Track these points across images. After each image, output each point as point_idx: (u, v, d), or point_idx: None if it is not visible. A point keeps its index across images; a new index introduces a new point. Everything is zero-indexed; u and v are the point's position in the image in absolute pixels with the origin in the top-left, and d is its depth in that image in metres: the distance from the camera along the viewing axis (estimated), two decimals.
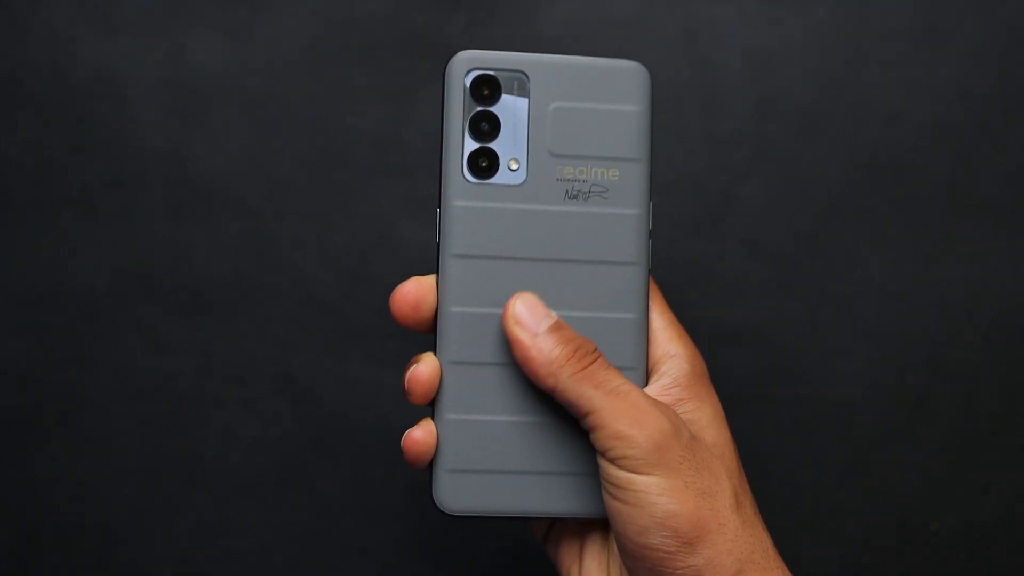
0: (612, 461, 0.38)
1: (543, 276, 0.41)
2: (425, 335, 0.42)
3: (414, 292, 0.42)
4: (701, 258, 0.63)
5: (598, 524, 0.43)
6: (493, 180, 0.41)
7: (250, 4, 0.64)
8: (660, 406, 0.39)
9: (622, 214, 0.42)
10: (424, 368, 0.41)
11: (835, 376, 0.63)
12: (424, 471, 0.43)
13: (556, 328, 0.40)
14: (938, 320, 0.63)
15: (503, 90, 0.42)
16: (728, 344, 0.63)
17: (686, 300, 0.63)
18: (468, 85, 0.42)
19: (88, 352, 0.63)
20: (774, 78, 0.63)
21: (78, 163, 0.63)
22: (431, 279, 0.42)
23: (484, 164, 0.41)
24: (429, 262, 0.62)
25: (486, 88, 0.41)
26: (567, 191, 0.41)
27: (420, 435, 0.41)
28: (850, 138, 0.63)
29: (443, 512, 0.42)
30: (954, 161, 0.63)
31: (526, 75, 0.42)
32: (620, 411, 0.38)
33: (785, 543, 0.63)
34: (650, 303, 0.42)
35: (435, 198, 0.63)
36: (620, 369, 0.41)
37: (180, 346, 0.63)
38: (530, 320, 0.40)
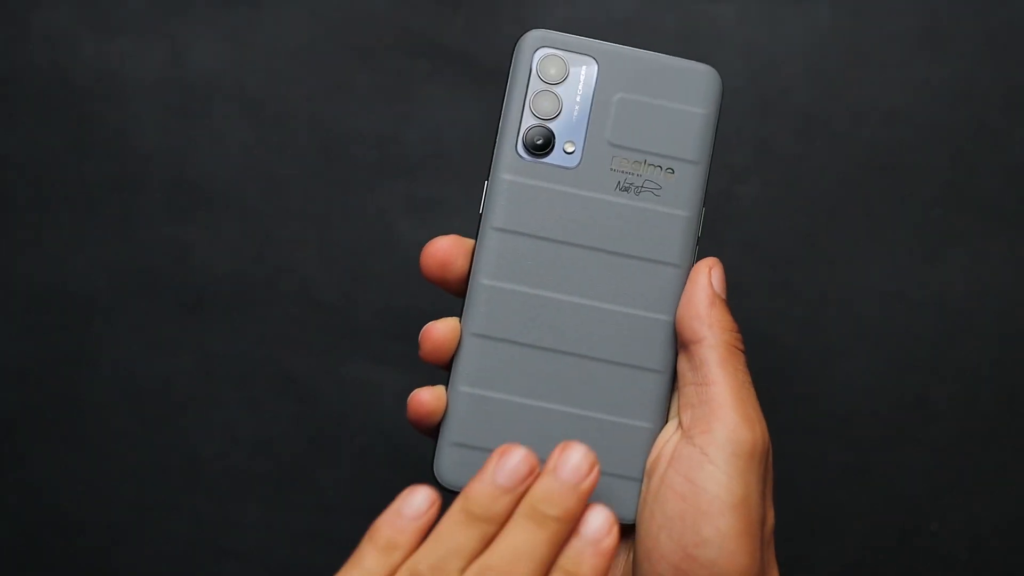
0: (695, 441, 0.37)
1: (581, 263, 0.41)
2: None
3: (445, 249, 0.40)
4: (701, 258, 0.63)
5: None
6: (546, 160, 0.41)
7: (250, 4, 0.64)
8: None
9: (672, 214, 0.41)
10: (441, 327, 0.40)
11: (835, 376, 0.63)
12: (429, 437, 0.42)
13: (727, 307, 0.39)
14: (938, 320, 0.63)
15: (570, 73, 0.41)
16: None
17: None
18: (536, 62, 0.41)
19: (88, 352, 0.63)
20: (774, 78, 0.63)
21: (78, 163, 0.63)
22: (469, 243, 0.41)
23: (540, 142, 0.41)
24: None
25: (553, 68, 0.41)
26: (619, 182, 0.41)
27: (428, 397, 0.40)
28: (850, 138, 0.63)
29: (440, 486, 0.41)
30: (954, 161, 0.63)
31: (596, 61, 0.41)
32: (743, 401, 0.37)
33: (785, 543, 0.63)
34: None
35: (435, 199, 0.63)
36: (645, 370, 0.40)
37: (180, 346, 0.63)
38: (720, 285, 0.40)
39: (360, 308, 0.63)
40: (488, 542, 0.35)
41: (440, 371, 0.42)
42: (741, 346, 0.39)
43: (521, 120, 0.41)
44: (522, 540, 0.34)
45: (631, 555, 0.40)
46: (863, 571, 0.62)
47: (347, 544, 0.67)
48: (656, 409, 0.40)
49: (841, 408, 0.63)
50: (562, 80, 0.41)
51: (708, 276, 0.40)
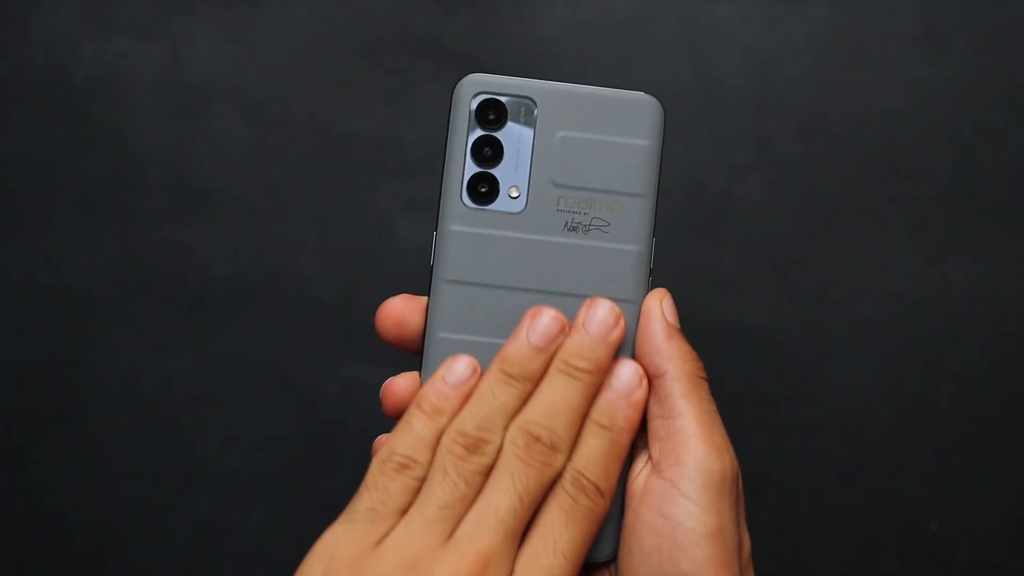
0: (665, 475, 0.37)
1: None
2: (410, 356, 0.42)
3: (398, 309, 0.41)
4: (701, 258, 0.63)
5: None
6: (492, 207, 0.41)
7: (250, 4, 0.64)
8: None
9: (621, 249, 0.41)
10: (402, 383, 0.41)
11: (835, 376, 0.63)
12: None
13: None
14: (938, 320, 0.63)
15: (509, 116, 0.41)
16: (728, 344, 0.63)
17: (686, 300, 0.63)
18: (474, 109, 0.41)
19: (88, 352, 0.63)
20: (774, 78, 0.63)
21: (78, 163, 0.63)
22: (421, 300, 0.41)
23: (484, 190, 0.41)
24: (429, 262, 0.62)
25: (492, 112, 0.41)
26: (567, 222, 0.40)
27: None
28: (850, 138, 0.63)
29: None
30: (954, 161, 0.63)
31: (534, 102, 0.41)
32: (710, 430, 0.37)
33: (785, 543, 0.63)
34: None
35: (435, 198, 0.63)
36: None
37: (180, 346, 0.63)
38: (672, 315, 0.40)
39: (360, 308, 0.63)
40: (526, 399, 0.37)
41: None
42: (703, 374, 0.39)
43: (464, 168, 0.41)
44: (559, 393, 0.37)
45: None
46: (863, 571, 0.62)
47: None
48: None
49: (841, 408, 0.63)
50: (501, 124, 0.41)
51: (660, 309, 0.40)
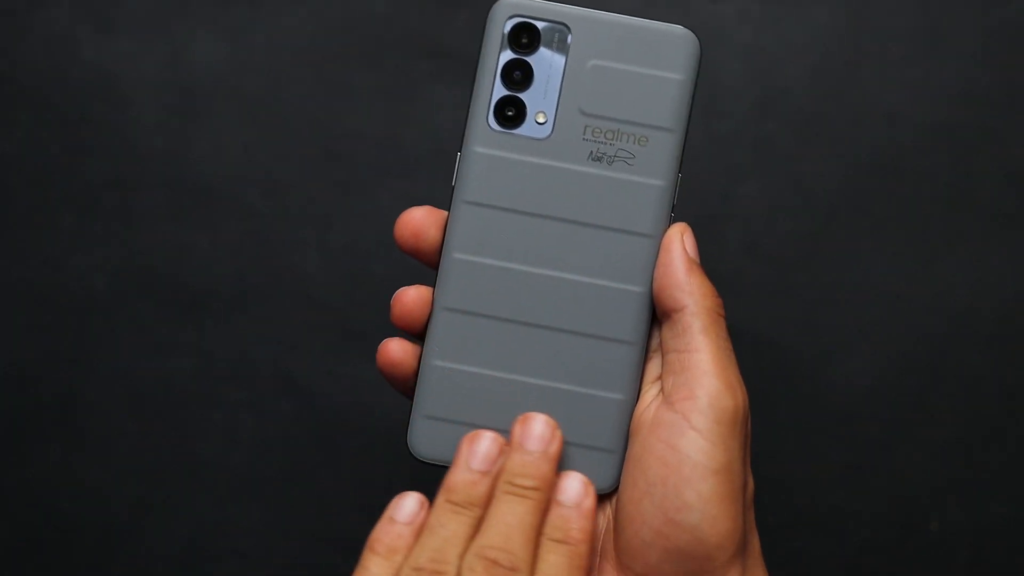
0: (677, 408, 0.37)
1: (554, 235, 0.40)
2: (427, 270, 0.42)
3: (417, 220, 0.41)
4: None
5: None
6: (518, 131, 0.40)
7: (250, 4, 0.64)
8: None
9: (645, 183, 0.40)
10: (413, 294, 0.41)
11: (835, 376, 0.63)
12: (400, 391, 0.42)
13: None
14: (938, 320, 0.63)
15: (542, 40, 0.40)
16: None
17: None
18: (507, 31, 0.40)
19: (88, 352, 0.63)
20: (774, 78, 0.63)
21: (78, 163, 0.63)
22: (443, 214, 0.41)
23: (511, 113, 0.40)
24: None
25: (525, 36, 0.40)
26: (592, 152, 0.40)
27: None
28: (850, 138, 0.63)
29: (413, 456, 0.41)
30: (954, 161, 0.63)
31: (568, 28, 0.40)
32: (725, 367, 0.37)
33: (785, 543, 0.63)
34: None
35: (435, 199, 0.63)
36: (618, 342, 0.40)
37: (180, 346, 0.63)
38: (694, 251, 0.40)
39: (360, 308, 0.63)
40: (478, 525, 0.36)
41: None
42: (722, 311, 0.39)
43: (492, 91, 0.40)
44: (510, 514, 0.36)
45: (609, 522, 0.40)
46: (863, 571, 0.62)
47: (347, 544, 0.67)
48: (629, 381, 0.40)
49: (841, 408, 0.63)
50: (533, 48, 0.40)
51: (681, 243, 0.40)
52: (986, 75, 0.63)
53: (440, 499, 0.37)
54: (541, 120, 0.40)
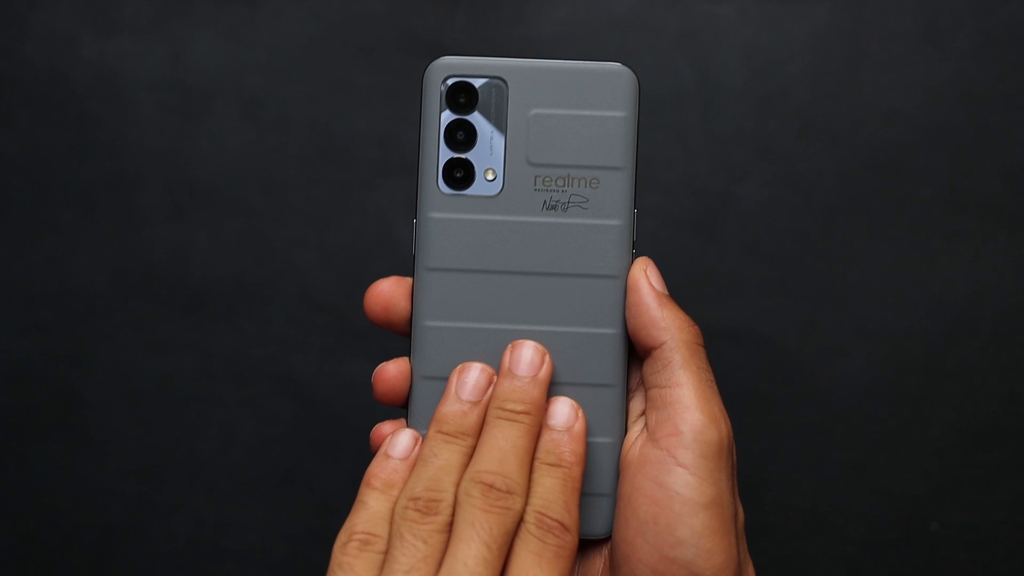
0: (662, 444, 0.37)
1: (520, 289, 0.40)
2: (402, 338, 0.42)
3: (386, 293, 0.41)
4: (701, 258, 0.63)
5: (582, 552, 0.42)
6: (469, 191, 0.40)
7: (250, 4, 0.64)
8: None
9: (602, 224, 0.40)
10: (392, 368, 0.41)
11: (835, 376, 0.63)
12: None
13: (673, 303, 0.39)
14: (938, 320, 0.63)
15: (480, 97, 0.40)
16: (728, 344, 0.63)
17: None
18: (444, 93, 0.40)
19: (88, 352, 0.63)
20: (774, 78, 0.63)
21: (78, 163, 0.63)
22: (409, 282, 0.41)
23: (459, 175, 0.40)
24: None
25: (462, 96, 0.40)
26: (546, 201, 0.40)
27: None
28: (850, 138, 0.63)
29: None
30: (954, 161, 0.63)
31: (504, 81, 0.40)
32: (707, 400, 0.37)
33: (785, 543, 0.63)
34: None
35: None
36: (599, 386, 0.40)
37: (180, 346, 0.63)
38: (660, 283, 0.40)
39: (360, 308, 0.63)
40: (471, 454, 0.37)
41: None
42: (701, 340, 0.39)
43: (438, 154, 0.40)
44: (503, 438, 0.36)
45: (605, 562, 0.40)
46: (863, 571, 0.62)
47: None
48: (616, 423, 0.40)
49: (841, 408, 0.63)
50: (473, 107, 0.40)
51: (647, 278, 0.40)
52: (986, 75, 0.63)
53: (431, 430, 0.37)
54: (491, 177, 0.40)
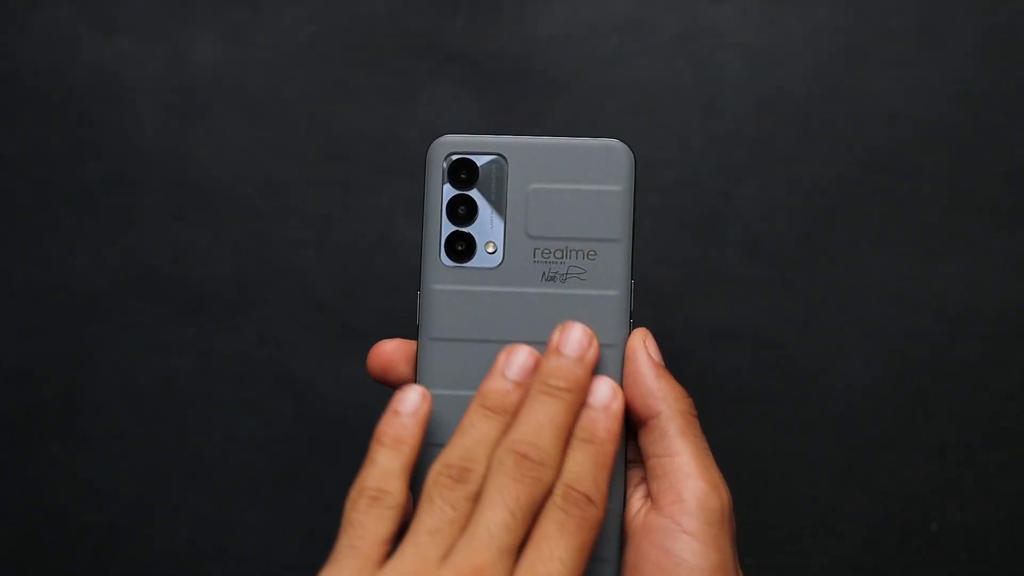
0: (666, 512, 0.38)
1: None
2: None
3: (388, 355, 0.43)
4: (701, 258, 0.63)
5: None
6: (470, 264, 0.41)
7: (250, 4, 0.64)
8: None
9: (600, 295, 0.41)
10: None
11: (835, 376, 0.63)
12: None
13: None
14: (938, 320, 0.63)
15: (480, 174, 0.42)
16: (728, 344, 0.63)
17: (686, 300, 0.63)
18: (446, 169, 0.42)
19: (88, 352, 0.63)
20: (774, 78, 0.63)
21: (78, 163, 0.63)
22: (413, 346, 0.43)
23: (461, 248, 0.41)
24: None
25: (464, 172, 0.42)
26: (544, 273, 0.41)
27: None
28: (850, 138, 0.63)
29: None
30: (954, 161, 0.63)
31: (504, 158, 0.42)
32: (707, 467, 0.38)
33: (785, 543, 0.63)
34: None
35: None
36: None
37: (180, 346, 0.63)
38: (657, 355, 0.41)
39: (360, 308, 0.63)
40: (507, 430, 0.38)
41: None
42: (694, 411, 0.40)
43: (441, 228, 0.42)
44: (542, 412, 0.37)
45: None
46: (863, 571, 0.62)
47: None
48: (617, 489, 0.41)
49: (841, 408, 0.63)
50: (473, 182, 0.42)
51: (645, 349, 0.41)
52: (986, 75, 0.63)
53: (474, 404, 0.38)
54: (491, 250, 0.42)
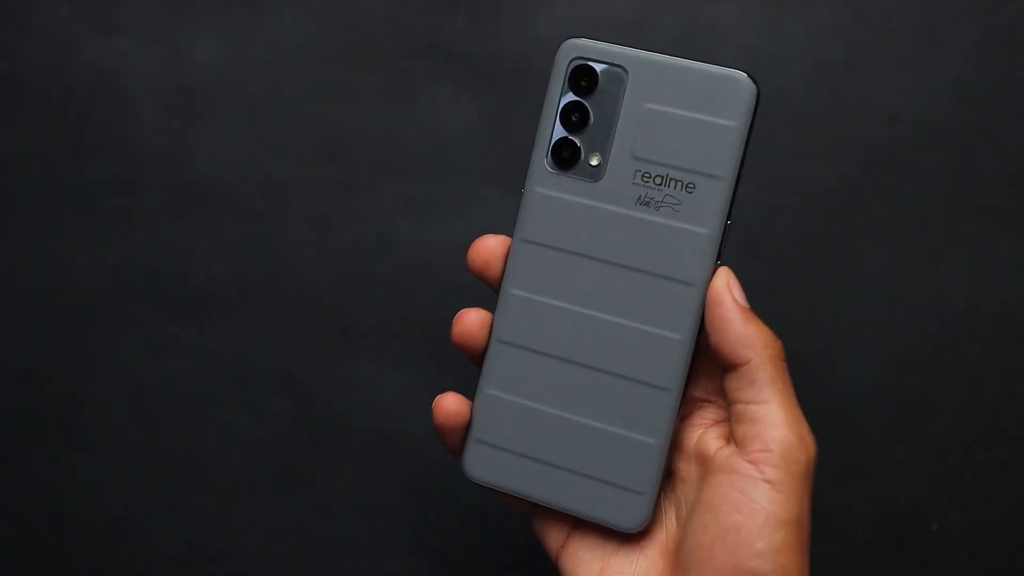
0: (751, 458, 0.38)
1: (601, 277, 0.41)
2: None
3: (488, 250, 0.42)
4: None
5: (622, 546, 0.42)
6: (572, 172, 0.41)
7: (250, 4, 0.64)
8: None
9: (690, 231, 0.40)
10: (474, 317, 0.42)
11: (835, 376, 0.63)
12: (450, 445, 0.43)
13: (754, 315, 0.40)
14: (938, 320, 0.63)
15: (600, 83, 0.41)
16: None
17: None
18: (568, 73, 0.41)
19: (88, 352, 0.63)
20: (774, 78, 0.63)
21: (78, 163, 0.63)
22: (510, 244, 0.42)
23: (566, 155, 0.41)
24: (429, 262, 0.62)
25: (584, 79, 0.41)
26: (640, 196, 0.40)
27: (451, 402, 0.42)
28: (850, 138, 0.63)
29: (466, 476, 0.43)
30: (954, 161, 0.63)
31: (625, 71, 0.40)
32: (796, 419, 0.38)
33: None
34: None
35: (435, 199, 0.63)
36: (654, 388, 0.40)
37: (180, 346, 0.63)
38: (743, 297, 0.40)
39: (360, 308, 0.63)
40: None
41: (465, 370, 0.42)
42: (783, 355, 0.40)
43: (552, 132, 0.41)
44: None
45: (669, 565, 0.40)
46: (863, 571, 0.62)
47: (347, 544, 0.67)
48: (663, 426, 0.40)
49: (841, 408, 0.63)
50: (591, 91, 0.41)
51: (730, 293, 0.40)
52: (986, 75, 0.63)
53: None
54: (595, 162, 0.41)
